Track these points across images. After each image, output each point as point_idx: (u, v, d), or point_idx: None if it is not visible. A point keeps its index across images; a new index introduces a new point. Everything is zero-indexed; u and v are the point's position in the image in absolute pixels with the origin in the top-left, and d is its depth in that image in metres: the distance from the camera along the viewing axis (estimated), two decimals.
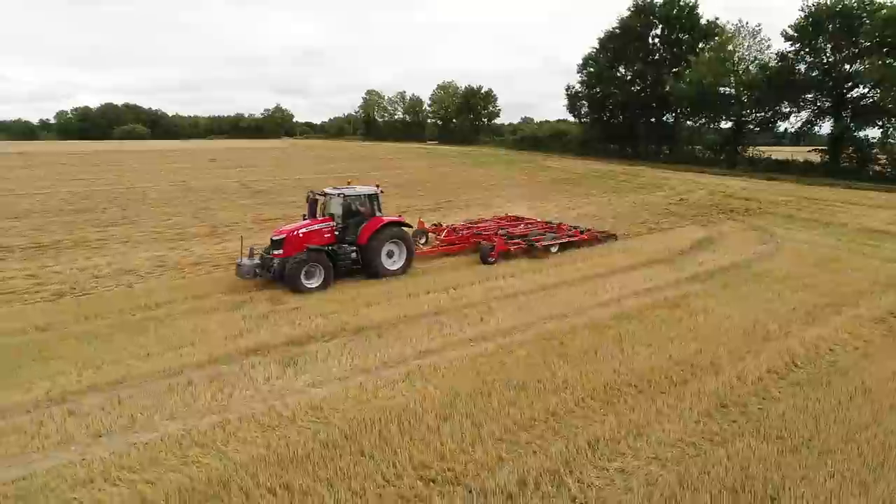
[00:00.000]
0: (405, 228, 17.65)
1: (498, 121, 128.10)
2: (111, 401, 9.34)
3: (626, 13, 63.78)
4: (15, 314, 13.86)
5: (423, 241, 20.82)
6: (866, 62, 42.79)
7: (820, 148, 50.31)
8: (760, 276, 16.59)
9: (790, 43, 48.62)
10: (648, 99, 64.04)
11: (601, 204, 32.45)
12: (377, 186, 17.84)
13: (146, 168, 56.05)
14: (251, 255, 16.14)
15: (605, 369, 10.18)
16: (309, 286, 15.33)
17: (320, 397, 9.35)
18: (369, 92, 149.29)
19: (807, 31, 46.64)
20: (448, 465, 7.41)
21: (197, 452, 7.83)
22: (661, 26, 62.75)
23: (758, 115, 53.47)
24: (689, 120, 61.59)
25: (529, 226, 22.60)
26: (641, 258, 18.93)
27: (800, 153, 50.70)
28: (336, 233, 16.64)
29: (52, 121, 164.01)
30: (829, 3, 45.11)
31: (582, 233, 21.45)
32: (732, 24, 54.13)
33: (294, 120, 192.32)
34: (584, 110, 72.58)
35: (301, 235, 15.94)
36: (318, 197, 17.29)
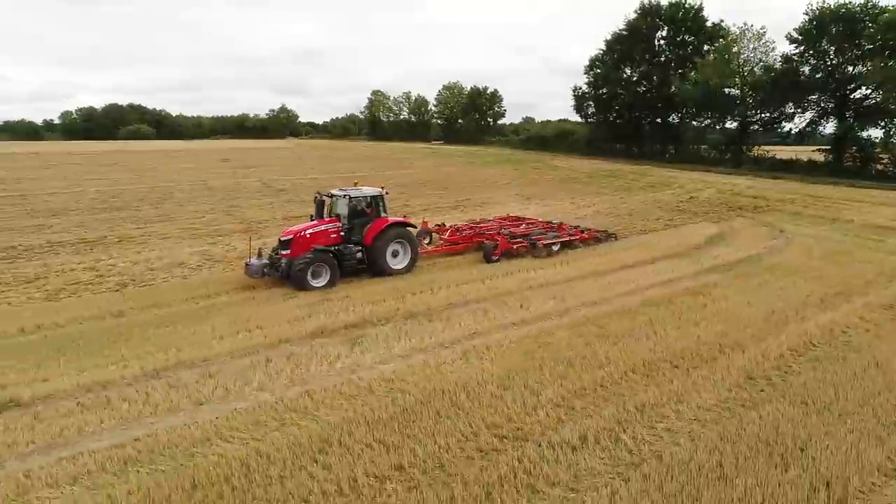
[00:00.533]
0: (409, 229, 18.09)
1: (501, 121, 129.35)
2: (202, 376, 10.43)
3: (633, 15, 64.91)
4: (88, 303, 15.00)
5: (427, 241, 21.28)
6: (869, 65, 43.91)
7: (823, 148, 51.43)
8: (773, 268, 17.67)
9: (794, 45, 49.90)
10: (654, 99, 65.10)
11: (614, 202, 33.52)
12: (382, 188, 18.22)
13: (163, 168, 57.12)
14: (259, 256, 16.70)
15: (641, 348, 11.25)
16: (315, 285, 15.80)
17: (390, 372, 10.43)
18: (374, 92, 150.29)
19: (811, 34, 47.79)
20: (515, 425, 8.49)
21: (293, 416, 8.90)
22: (666, 28, 63.81)
23: (763, 115, 54.59)
24: (695, 120, 62.64)
25: (531, 225, 23.08)
26: (659, 252, 20.03)
27: (804, 153, 51.80)
28: (342, 233, 17.03)
29: (56, 121, 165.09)
30: (832, 6, 46.30)
31: (582, 232, 22.08)
32: (737, 27, 55.25)
33: (298, 120, 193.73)
34: (590, 111, 73.62)
35: (308, 236, 16.40)
36: (325, 198, 17.75)
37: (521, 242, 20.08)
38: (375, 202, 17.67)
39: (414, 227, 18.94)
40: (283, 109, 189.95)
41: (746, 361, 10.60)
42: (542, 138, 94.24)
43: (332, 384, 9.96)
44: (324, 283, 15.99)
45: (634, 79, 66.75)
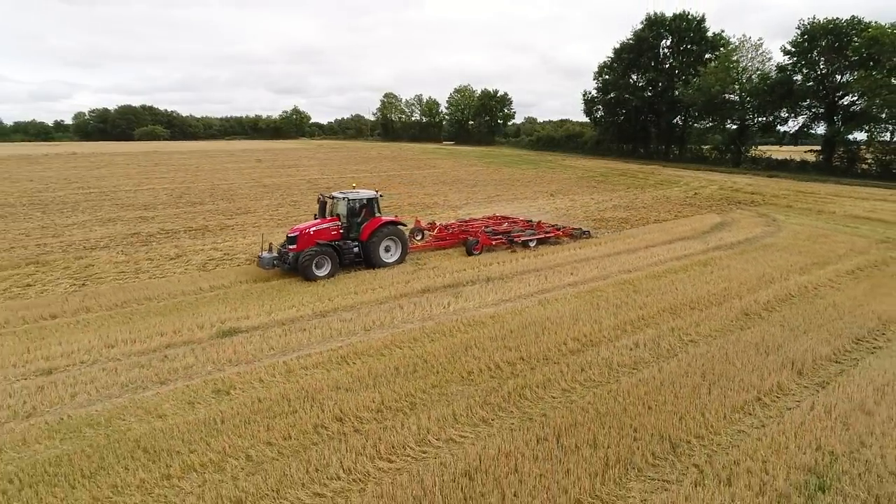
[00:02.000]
0: (400, 227, 19.86)
1: (511, 122, 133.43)
2: (357, 315, 14.59)
3: (639, 26, 69.08)
4: (235, 271, 19.16)
5: (419, 237, 23.00)
6: (855, 74, 48.04)
7: (815, 149, 55.57)
8: (766, 247, 21.85)
9: (788, 56, 54.07)
10: (659, 103, 69.21)
11: (629, 197, 37.67)
12: (377, 191, 20.02)
13: (206, 168, 61.21)
14: (270, 250, 18.27)
15: (667, 298, 15.43)
16: (319, 275, 17.64)
17: (489, 313, 14.60)
18: (387, 95, 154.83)
19: (803, 46, 52.02)
20: (589, 338, 12.65)
21: (435, 336, 13.06)
22: (671, 38, 67.94)
23: (760, 119, 58.74)
24: (698, 123, 66.73)
25: (513, 224, 24.87)
26: (675, 235, 24.22)
27: (797, 153, 55.98)
28: (342, 230, 18.73)
29: (65, 121, 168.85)
30: (822, 21, 50.43)
31: (558, 230, 23.87)
32: (736, 38, 59.45)
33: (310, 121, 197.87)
34: (599, 114, 77.71)
35: (312, 233, 18.16)
36: (327, 199, 19.57)
37: (500, 239, 22.10)
38: (370, 203, 19.37)
39: (405, 225, 20.52)
40: (294, 111, 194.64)
41: (743, 305, 14.79)
42: (551, 139, 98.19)
43: (452, 319, 14.14)
44: (325, 273, 17.85)
45: (641, 84, 70.84)
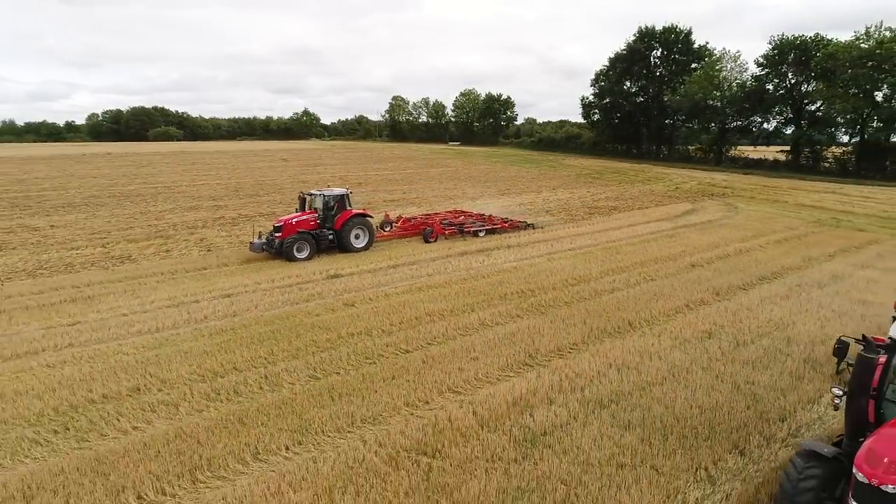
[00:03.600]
0: (368, 218, 23.22)
1: (514, 124, 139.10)
2: (419, 268, 20.37)
3: (632, 38, 74.97)
4: None
5: (387, 228, 25.97)
6: (817, 85, 53.94)
7: (784, 149, 61.53)
8: (722, 226, 27.67)
9: (761, 68, 60.00)
10: (650, 108, 75.00)
11: (619, 191, 43.46)
12: (347, 188, 23.80)
13: (240, 167, 66.32)
14: (260, 237, 21.71)
15: (638, 256, 21.21)
16: (299, 257, 20.87)
17: (512, 265, 20.36)
18: (395, 98, 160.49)
19: (774, 59, 57.91)
20: (584, 278, 18.41)
21: (477, 277, 18.84)
22: (660, 49, 73.72)
23: (737, 122, 64.62)
24: (685, 126, 72.62)
25: (468, 217, 28.23)
26: (652, 218, 30.04)
27: (770, 153, 61.92)
28: (318, 221, 22.03)
29: (65, 122, 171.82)
30: (790, 38, 56.41)
31: (506, 222, 27.37)
32: (718, 51, 65.52)
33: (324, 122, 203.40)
34: (595, 117, 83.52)
35: (294, 223, 21.48)
36: (307, 196, 23.04)
37: (452, 229, 25.53)
38: (342, 199, 22.71)
39: (371, 216, 23.91)
40: (305, 113, 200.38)
41: (691, 260, 20.59)
42: (551, 140, 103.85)
43: (490, 269, 19.88)
44: (305, 256, 21.01)
45: (634, 90, 76.66)
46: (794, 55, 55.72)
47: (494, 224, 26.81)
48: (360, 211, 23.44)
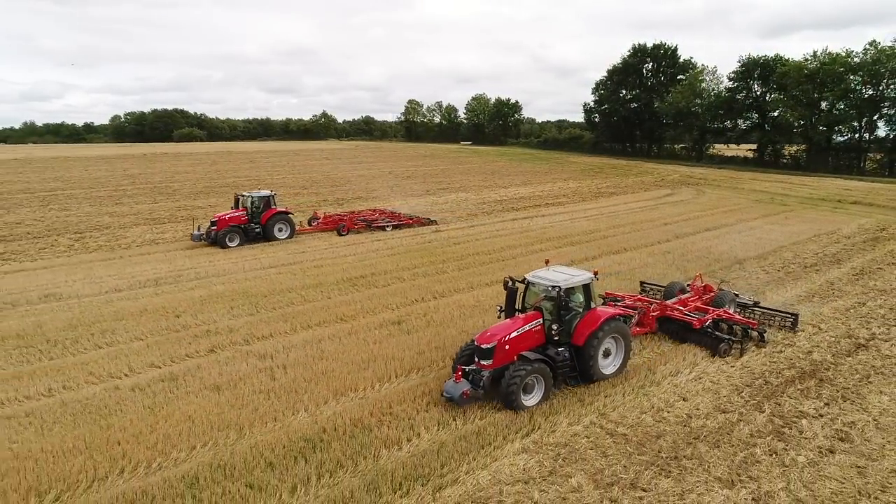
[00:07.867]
0: (290, 215, 27.02)
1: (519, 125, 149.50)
2: (492, 236, 30.99)
3: (627, 54, 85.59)
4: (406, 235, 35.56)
5: (314, 222, 29.45)
6: (776, 96, 64.80)
7: (752, 148, 72.60)
8: (691, 203, 38.30)
9: (732, 81, 71.22)
10: (643, 113, 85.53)
11: (616, 182, 53.99)
12: (271, 191, 27.71)
13: (289, 165, 73.39)
14: (199, 229, 25.48)
15: (628, 221, 31.79)
16: (230, 245, 24.39)
17: (549, 224, 30.95)
18: (410, 101, 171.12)
19: (742, 74, 68.98)
20: (595, 233, 29.06)
21: (532, 228, 29.47)
22: (651, 63, 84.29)
23: (715, 126, 75.38)
24: (671, 129, 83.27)
25: (382, 216, 31.85)
26: (640, 199, 40.70)
27: (741, 151, 72.88)
28: (248, 217, 25.71)
29: (95, 123, 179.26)
30: (755, 57, 67.43)
31: (411, 219, 31.17)
32: (700, 65, 76.48)
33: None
34: (596, 120, 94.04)
35: (228, 218, 25.09)
36: (239, 196, 26.53)
37: (361, 224, 29.31)
38: (268, 200, 26.33)
39: (291, 213, 27.58)
40: (323, 115, 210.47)
41: (665, 221, 31.23)
42: (556, 140, 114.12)
43: (535, 226, 30.48)
44: (235, 245, 24.59)
45: (628, 98, 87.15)
46: (758, 71, 66.46)
47: (401, 221, 30.95)
48: (283, 209, 27.25)
